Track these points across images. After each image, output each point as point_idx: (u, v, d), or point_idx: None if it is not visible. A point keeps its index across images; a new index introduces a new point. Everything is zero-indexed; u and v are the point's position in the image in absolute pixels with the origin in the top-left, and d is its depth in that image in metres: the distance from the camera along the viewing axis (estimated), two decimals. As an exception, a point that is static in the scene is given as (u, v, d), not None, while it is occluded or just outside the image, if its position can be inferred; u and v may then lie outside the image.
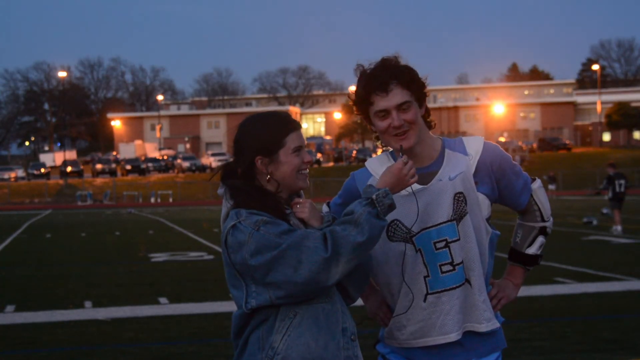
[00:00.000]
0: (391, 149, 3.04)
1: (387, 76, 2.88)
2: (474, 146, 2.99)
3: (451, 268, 2.91)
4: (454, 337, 2.92)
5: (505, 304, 3.08)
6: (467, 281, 2.92)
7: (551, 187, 50.10)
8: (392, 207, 2.66)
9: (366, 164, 3.09)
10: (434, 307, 2.92)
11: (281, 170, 2.74)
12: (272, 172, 2.75)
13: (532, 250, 3.14)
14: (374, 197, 2.64)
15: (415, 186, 2.90)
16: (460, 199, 2.91)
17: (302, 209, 2.76)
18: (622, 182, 20.79)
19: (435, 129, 3.09)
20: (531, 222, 3.14)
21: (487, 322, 2.95)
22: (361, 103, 2.95)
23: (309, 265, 2.55)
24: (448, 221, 2.89)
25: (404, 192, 2.86)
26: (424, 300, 2.93)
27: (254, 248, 2.59)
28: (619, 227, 20.29)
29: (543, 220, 3.13)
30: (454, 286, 2.91)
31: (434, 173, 2.94)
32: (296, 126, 2.79)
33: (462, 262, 2.91)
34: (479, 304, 2.94)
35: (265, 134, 2.74)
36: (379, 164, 3.03)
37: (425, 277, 2.92)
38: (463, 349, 2.96)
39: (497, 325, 3.00)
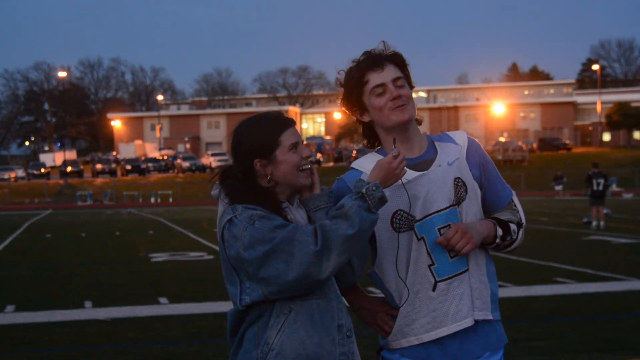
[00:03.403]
0: (379, 147, 3.02)
1: (380, 55, 2.94)
2: (461, 137, 3.02)
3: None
4: (469, 322, 2.83)
5: (463, 239, 2.82)
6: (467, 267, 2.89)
7: (557, 187, 49.50)
8: (382, 200, 2.67)
9: (353, 164, 3.04)
10: (445, 293, 2.84)
11: (280, 170, 2.76)
12: (272, 172, 2.76)
13: (504, 217, 2.99)
14: (364, 190, 2.65)
15: (414, 173, 2.89)
16: (459, 184, 2.90)
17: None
18: (601, 181, 22.17)
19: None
20: (510, 215, 3.01)
21: (479, 311, 2.87)
22: (355, 86, 2.94)
23: (300, 259, 2.58)
24: (450, 206, 2.87)
25: (399, 182, 2.85)
26: (433, 290, 2.85)
27: (248, 242, 2.62)
28: (594, 222, 22.01)
29: (521, 220, 3.02)
30: (463, 270, 2.86)
31: (431, 160, 2.93)
32: (290, 123, 2.81)
33: None
34: (472, 291, 2.87)
35: (260, 135, 2.76)
36: (367, 161, 2.99)
37: (430, 265, 2.86)
38: (477, 341, 2.87)
39: (487, 317, 2.89)
